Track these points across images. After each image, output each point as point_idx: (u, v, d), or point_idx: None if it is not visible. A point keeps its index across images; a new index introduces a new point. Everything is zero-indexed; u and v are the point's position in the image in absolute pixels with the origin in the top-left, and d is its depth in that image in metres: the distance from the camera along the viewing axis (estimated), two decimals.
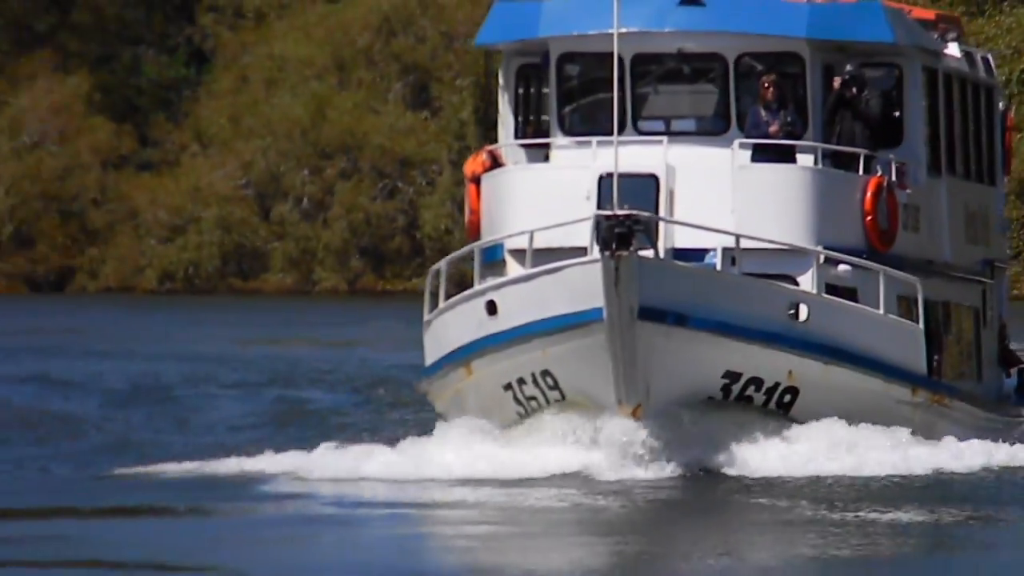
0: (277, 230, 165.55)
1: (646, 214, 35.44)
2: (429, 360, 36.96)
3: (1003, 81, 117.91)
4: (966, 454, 38.54)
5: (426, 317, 36.86)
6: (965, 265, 44.92)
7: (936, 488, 38.36)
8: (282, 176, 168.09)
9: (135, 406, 59.88)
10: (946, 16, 51.55)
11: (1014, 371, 49.47)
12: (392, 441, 38.86)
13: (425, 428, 39.68)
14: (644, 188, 35.00)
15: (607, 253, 33.11)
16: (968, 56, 47.56)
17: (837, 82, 38.56)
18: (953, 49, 45.08)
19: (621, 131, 37.71)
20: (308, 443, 42.18)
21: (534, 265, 35.07)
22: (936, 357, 41.10)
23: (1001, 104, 49.19)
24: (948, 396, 41.09)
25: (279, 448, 41.14)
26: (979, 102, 46.02)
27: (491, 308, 34.72)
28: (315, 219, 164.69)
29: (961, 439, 40.13)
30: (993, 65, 50.02)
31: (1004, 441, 41.59)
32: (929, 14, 49.04)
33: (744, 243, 37.01)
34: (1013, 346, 56.68)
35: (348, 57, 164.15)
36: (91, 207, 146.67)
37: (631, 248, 33.62)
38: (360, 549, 32.30)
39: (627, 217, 33.56)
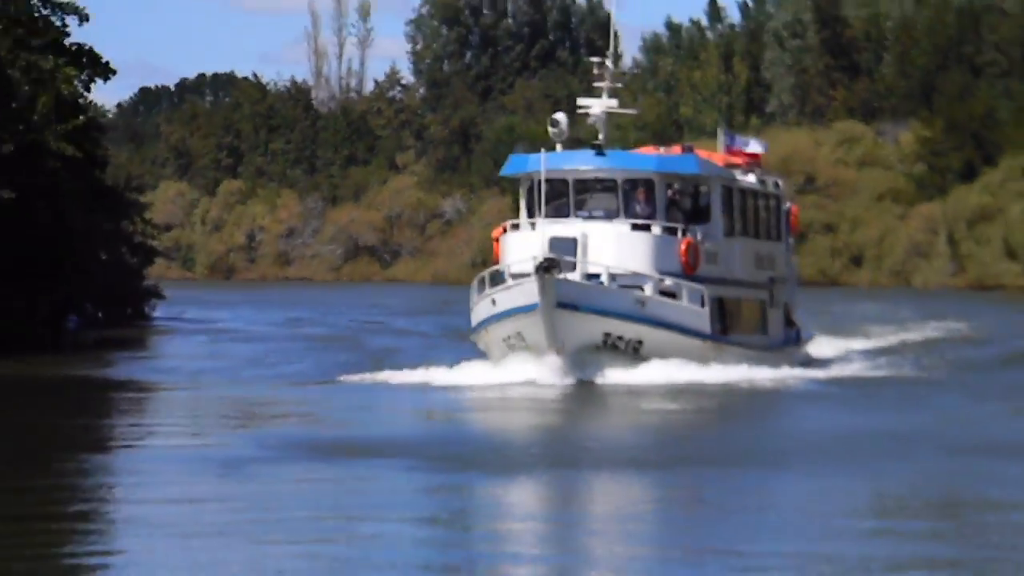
0: None
1: (556, 256, 53.98)
2: (472, 325, 56.42)
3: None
4: (727, 372, 57.53)
5: (470, 304, 56.67)
6: (753, 280, 62.77)
7: (711, 387, 55.49)
8: None
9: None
10: (753, 161, 69.74)
11: (794, 330, 69.35)
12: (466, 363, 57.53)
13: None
14: (570, 244, 55.19)
15: (538, 276, 51.53)
16: (762, 180, 66.40)
17: (670, 192, 58.61)
18: (750, 176, 64.90)
19: (567, 216, 58.48)
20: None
21: (512, 281, 54.94)
22: (720, 324, 57.90)
23: (788, 203, 71.11)
24: (725, 344, 57.65)
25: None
26: (768, 201, 65.76)
27: (493, 302, 54.94)
28: None
29: (731, 367, 57.58)
30: (781, 184, 71.34)
31: (756, 366, 59.43)
32: (740, 160, 67.94)
33: (614, 271, 55.50)
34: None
35: None
36: None
37: (550, 273, 52.07)
38: (429, 408, 53.42)
39: (548, 259, 52.44)
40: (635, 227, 57.93)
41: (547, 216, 58.48)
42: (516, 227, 60.04)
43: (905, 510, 32.90)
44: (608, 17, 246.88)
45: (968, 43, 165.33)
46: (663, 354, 55.63)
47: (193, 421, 52.92)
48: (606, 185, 59.18)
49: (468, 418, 51.76)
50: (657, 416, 50.42)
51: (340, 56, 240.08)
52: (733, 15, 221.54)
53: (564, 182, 59.13)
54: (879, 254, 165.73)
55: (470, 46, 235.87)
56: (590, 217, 58.58)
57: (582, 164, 59.55)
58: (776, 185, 69.99)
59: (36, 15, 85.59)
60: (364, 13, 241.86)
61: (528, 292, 53.78)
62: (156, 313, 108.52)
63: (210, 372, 68.07)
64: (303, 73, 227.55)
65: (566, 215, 58.74)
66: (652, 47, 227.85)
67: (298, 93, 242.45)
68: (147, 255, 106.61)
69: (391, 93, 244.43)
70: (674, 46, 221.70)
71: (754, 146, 71.57)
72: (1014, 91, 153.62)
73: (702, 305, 57.63)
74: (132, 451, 41.99)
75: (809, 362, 66.48)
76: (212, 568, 25.94)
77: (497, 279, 57.64)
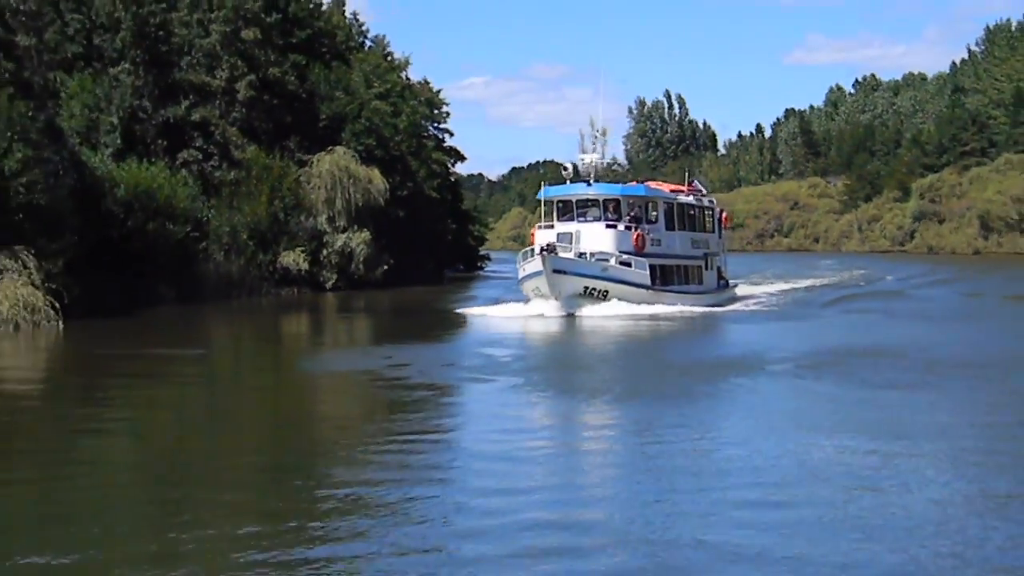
0: None
1: (554, 243, 45.31)
2: (518, 279, 45.85)
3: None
4: (664, 308, 45.94)
5: (517, 268, 45.99)
6: (691, 254, 51.22)
7: (653, 316, 43.78)
8: None
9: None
10: (694, 189, 57.39)
11: (724, 281, 56.14)
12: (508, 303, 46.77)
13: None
14: (569, 236, 45.66)
15: (542, 254, 42.82)
16: (698, 199, 54.29)
17: (629, 206, 47.97)
18: (689, 197, 52.89)
19: (571, 221, 48.36)
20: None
21: (534, 256, 44.27)
22: (659, 280, 47.08)
23: (720, 212, 57.35)
24: (662, 292, 46.73)
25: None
26: (703, 211, 53.42)
27: (524, 269, 45.21)
28: None
29: (666, 304, 46.57)
30: (714, 201, 57.57)
31: (686, 303, 48.00)
32: (682, 188, 56.08)
33: (593, 251, 45.88)
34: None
35: None
36: None
37: (549, 252, 43.03)
38: (480, 328, 41.22)
39: (549, 244, 43.89)
40: (608, 226, 49.46)
41: (559, 220, 50.65)
42: (544, 227, 51.31)
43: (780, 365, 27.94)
44: (713, 136, 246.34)
45: (868, 140, 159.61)
46: (622, 298, 46.94)
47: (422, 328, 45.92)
48: (593, 203, 50.61)
49: (510, 331, 42.11)
50: (616, 331, 41.15)
51: (593, 150, 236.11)
52: (767, 130, 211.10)
53: (570, 202, 51.04)
54: (827, 237, 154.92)
55: (652, 147, 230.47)
56: (584, 221, 50.07)
57: (579, 191, 51.35)
58: (711, 202, 59.03)
59: (427, 132, 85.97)
60: (603, 134, 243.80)
61: (539, 263, 46.13)
62: (487, 268, 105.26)
63: (467, 300, 59.80)
64: (574, 158, 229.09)
65: (571, 220, 50.20)
66: (730, 145, 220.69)
67: (574, 170, 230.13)
68: (480, 241, 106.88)
69: (613, 167, 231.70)
70: (739, 144, 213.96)
71: (698, 185, 61.08)
72: (889, 162, 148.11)
73: (645, 269, 48.48)
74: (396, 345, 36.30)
75: (732, 300, 55.74)
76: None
77: (528, 255, 48.82)
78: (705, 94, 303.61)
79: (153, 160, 57.89)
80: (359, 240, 64.18)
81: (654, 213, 51.51)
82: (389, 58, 79.10)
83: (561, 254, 44.60)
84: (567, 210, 50.36)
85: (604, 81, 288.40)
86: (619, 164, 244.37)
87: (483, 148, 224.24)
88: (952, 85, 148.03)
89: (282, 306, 56.77)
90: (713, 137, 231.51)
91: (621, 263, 47.42)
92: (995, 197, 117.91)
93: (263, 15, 63.59)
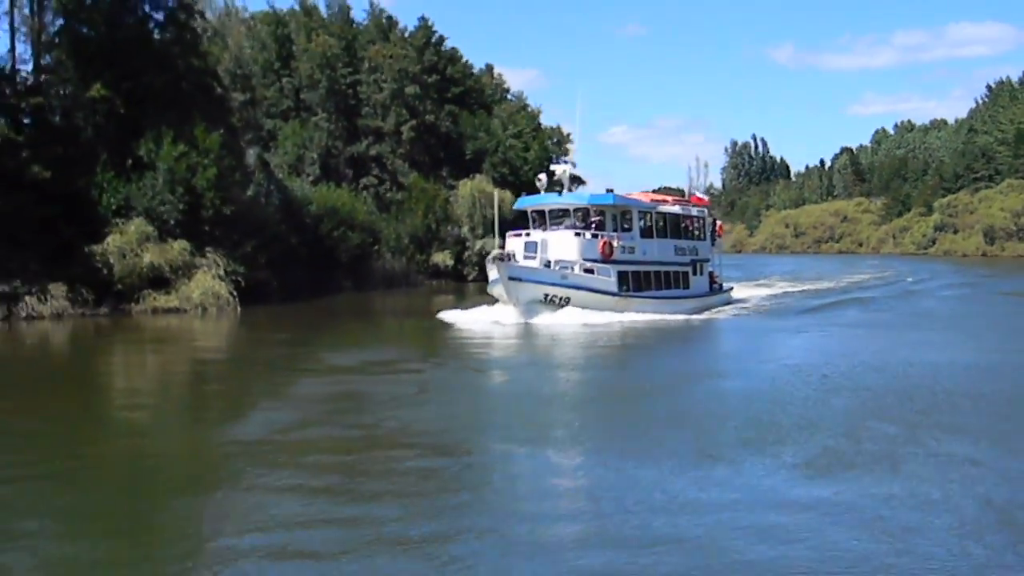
0: None
1: (511, 251, 33.23)
2: (489, 281, 32.92)
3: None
4: (631, 315, 32.49)
5: (488, 269, 32.75)
6: (674, 261, 37.52)
7: (618, 327, 29.70)
8: None
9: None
10: (694, 201, 42.89)
11: (717, 285, 40.88)
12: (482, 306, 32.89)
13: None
14: (535, 245, 33.28)
15: (497, 262, 30.99)
16: (685, 209, 39.60)
17: (595, 214, 34.65)
18: (674, 207, 38.75)
19: (545, 230, 35.15)
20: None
21: (493, 264, 31.64)
22: (627, 287, 34.21)
23: (713, 221, 42.23)
24: (633, 298, 33.76)
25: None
26: (691, 220, 39.12)
27: (487, 274, 32.63)
28: None
29: (636, 311, 33.09)
30: (705, 212, 41.59)
31: (662, 309, 34.31)
32: (667, 199, 41.42)
33: (557, 258, 33.19)
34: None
35: None
36: None
37: (504, 261, 31.20)
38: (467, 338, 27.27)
39: (504, 253, 32.08)
40: (576, 234, 35.47)
41: (535, 229, 36.65)
42: (513, 234, 36.65)
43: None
44: (787, 167, 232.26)
45: (902, 169, 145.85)
46: (585, 305, 33.37)
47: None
48: (564, 212, 36.48)
49: (468, 332, 30.10)
50: (575, 337, 28.00)
51: (698, 179, 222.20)
52: (827, 162, 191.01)
53: (543, 211, 37.00)
54: (868, 243, 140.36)
55: (741, 176, 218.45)
56: (557, 230, 35.94)
57: (550, 201, 37.25)
58: (700, 211, 42.35)
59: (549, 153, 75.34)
60: (704, 165, 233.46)
61: (497, 271, 33.08)
62: None
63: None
64: (683, 184, 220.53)
65: (544, 228, 36.17)
66: (798, 175, 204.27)
67: (679, 190, 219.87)
68: None
69: (712, 191, 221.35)
70: (805, 173, 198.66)
71: (701, 195, 46.41)
72: (917, 186, 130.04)
73: (611, 276, 34.74)
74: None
75: (724, 303, 40.11)
76: None
77: (490, 262, 34.24)
78: (783, 136, 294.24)
79: (342, 185, 55.51)
80: (492, 245, 59.34)
81: (628, 222, 37.57)
82: (528, 108, 74.44)
83: (523, 262, 33.47)
84: (541, 219, 36.83)
85: (707, 127, 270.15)
86: (715, 188, 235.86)
87: (622, 180, 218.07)
88: (968, 127, 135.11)
89: (432, 293, 52.76)
90: (787, 168, 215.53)
91: (585, 270, 34.66)
92: (998, 213, 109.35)
93: (424, 75, 60.60)
